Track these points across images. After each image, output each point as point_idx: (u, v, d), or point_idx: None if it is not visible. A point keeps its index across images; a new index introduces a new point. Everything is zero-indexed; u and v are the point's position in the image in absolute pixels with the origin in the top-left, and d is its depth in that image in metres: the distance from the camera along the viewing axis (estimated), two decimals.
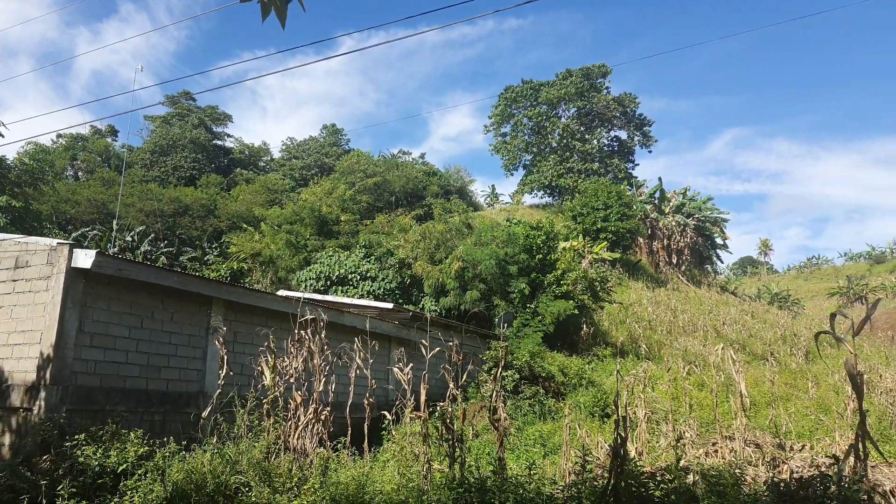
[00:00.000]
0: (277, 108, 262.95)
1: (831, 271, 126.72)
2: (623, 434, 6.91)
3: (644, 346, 25.17)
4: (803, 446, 12.59)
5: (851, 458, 5.93)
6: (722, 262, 63.34)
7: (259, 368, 9.72)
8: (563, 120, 55.52)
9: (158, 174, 53.78)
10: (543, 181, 53.89)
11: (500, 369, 8.66)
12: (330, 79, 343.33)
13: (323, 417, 9.25)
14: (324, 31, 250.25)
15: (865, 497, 5.68)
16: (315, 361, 9.68)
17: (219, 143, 61.92)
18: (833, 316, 6.40)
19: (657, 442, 14.94)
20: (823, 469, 8.33)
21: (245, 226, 38.15)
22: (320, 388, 9.49)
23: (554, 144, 55.55)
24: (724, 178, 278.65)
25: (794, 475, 6.76)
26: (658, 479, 6.59)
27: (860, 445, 5.87)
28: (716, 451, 13.39)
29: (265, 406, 9.15)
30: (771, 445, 14.30)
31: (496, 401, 8.85)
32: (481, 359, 18.10)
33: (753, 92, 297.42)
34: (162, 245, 39.52)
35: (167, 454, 7.95)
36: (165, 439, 8.51)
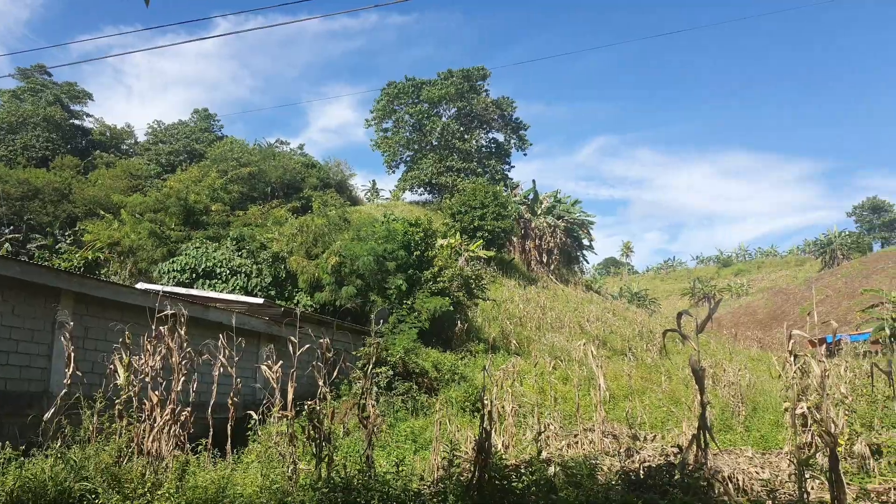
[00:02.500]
0: (144, 88, 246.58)
1: (685, 273, 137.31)
2: (488, 428, 7.06)
3: (514, 341, 25.99)
4: (654, 437, 13.49)
5: (694, 448, 6.42)
6: (588, 263, 66.85)
7: (112, 367, 9.04)
8: (443, 119, 56.23)
9: (5, 153, 48.77)
10: (423, 178, 54.33)
11: (370, 365, 8.58)
12: (202, 61, 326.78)
13: (182, 418, 8.75)
14: (199, 11, 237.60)
15: (705, 483, 6.17)
16: (174, 359, 9.13)
17: (77, 122, 57.12)
18: (680, 315, 6.90)
19: (524, 435, 15.38)
20: (671, 458, 8.96)
21: (103, 213, 35.44)
22: (179, 388, 8.97)
23: (434, 142, 56.13)
24: (592, 182, 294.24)
25: (644, 464, 7.21)
26: (521, 471, 6.80)
27: (701, 436, 6.37)
28: (577, 442, 14.05)
29: (117, 407, 8.52)
30: (627, 436, 15.21)
31: (366, 398, 8.77)
32: (356, 355, 17.92)
33: (621, 102, 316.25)
34: (6, 231, 35.89)
35: (2, 460, 7.22)
36: (1, 444, 7.72)
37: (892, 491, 6.60)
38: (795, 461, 6.39)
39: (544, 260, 49.54)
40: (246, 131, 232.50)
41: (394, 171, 58.29)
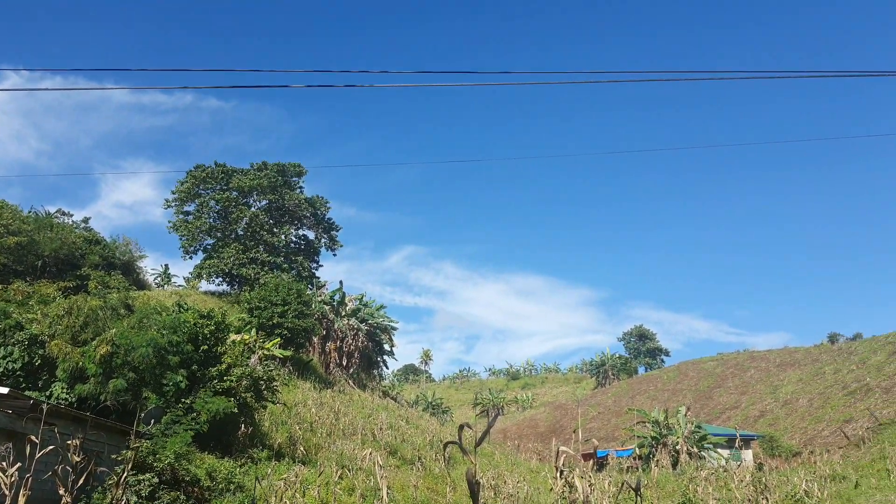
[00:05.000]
0: None
1: (477, 384, 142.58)
2: None
3: (302, 448, 24.74)
4: None
5: None
6: (388, 368, 66.96)
7: None
8: (252, 209, 54.85)
9: None
10: (224, 268, 51.74)
11: (125, 473, 7.54)
12: None
13: None
14: None
15: None
16: None
17: None
18: (461, 428, 7.00)
19: None
20: None
21: None
22: None
23: (240, 232, 54.25)
24: (398, 289, 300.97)
25: None
26: None
27: None
28: None
29: None
30: None
31: None
32: (117, 459, 15.81)
33: (430, 216, 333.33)
34: None
35: None
36: None
37: None
38: None
39: (344, 363, 48.73)
40: (22, 196, 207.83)
41: (191, 258, 54.86)
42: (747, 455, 50.28)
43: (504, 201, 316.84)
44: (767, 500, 17.91)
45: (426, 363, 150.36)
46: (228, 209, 53.74)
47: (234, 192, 54.45)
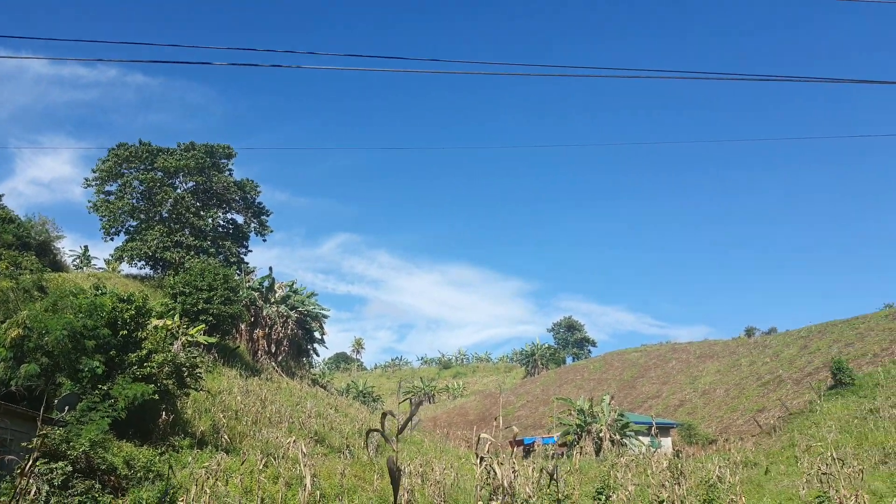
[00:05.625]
0: None
1: (410, 372, 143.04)
2: None
3: (226, 436, 24.22)
4: None
5: None
6: (318, 356, 66.28)
7: None
8: (178, 191, 52.94)
9: None
10: (147, 251, 49.79)
11: (31, 461, 7.20)
12: None
13: None
14: None
15: None
16: None
17: None
18: (384, 416, 7.00)
19: None
20: None
21: None
22: None
23: (165, 214, 52.31)
24: (331, 277, 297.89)
25: None
26: None
27: None
28: None
29: None
30: None
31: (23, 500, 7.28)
32: (27, 447, 15.08)
33: (366, 205, 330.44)
34: None
35: None
36: None
37: None
38: None
39: (273, 350, 47.87)
40: None
41: (111, 239, 52.48)
42: (666, 442, 52.47)
43: (442, 192, 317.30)
44: (680, 486, 18.77)
45: (358, 352, 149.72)
46: (153, 190, 51.72)
47: (160, 173, 52.42)
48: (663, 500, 10.25)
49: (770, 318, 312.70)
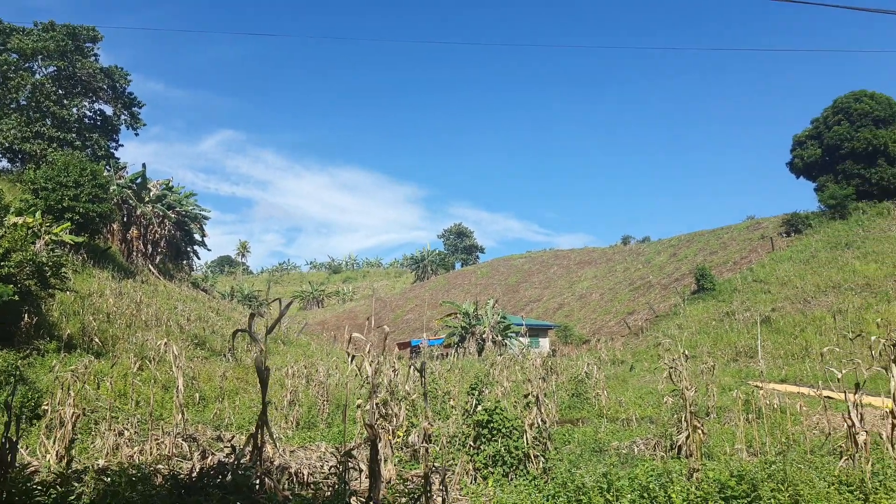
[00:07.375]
0: None
1: (298, 277, 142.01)
2: (14, 437, 5.89)
3: (97, 339, 23.16)
4: (233, 437, 13.28)
5: (252, 446, 6.34)
6: (199, 259, 64.00)
7: None
8: (37, 76, 47.63)
9: None
10: (3, 141, 45.01)
11: None
12: None
13: None
14: None
15: (257, 480, 6.11)
16: None
17: None
18: (252, 316, 6.81)
19: (92, 443, 13.93)
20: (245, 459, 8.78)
21: None
22: None
23: (22, 101, 47.10)
24: (214, 176, 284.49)
25: (204, 466, 6.89)
26: (49, 486, 5.81)
27: (259, 434, 6.32)
28: (158, 446, 13.09)
29: None
30: (211, 438, 14.70)
31: None
32: None
33: (250, 100, 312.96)
34: None
35: None
36: None
37: (422, 476, 7.51)
38: (339, 454, 6.80)
39: (148, 251, 45.59)
40: None
41: None
42: (545, 343, 55.85)
43: (330, 89, 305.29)
44: (547, 382, 20.09)
45: (243, 255, 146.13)
46: (7, 74, 46.17)
47: (14, 55, 46.70)
48: (528, 394, 10.86)
49: (646, 227, 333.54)
